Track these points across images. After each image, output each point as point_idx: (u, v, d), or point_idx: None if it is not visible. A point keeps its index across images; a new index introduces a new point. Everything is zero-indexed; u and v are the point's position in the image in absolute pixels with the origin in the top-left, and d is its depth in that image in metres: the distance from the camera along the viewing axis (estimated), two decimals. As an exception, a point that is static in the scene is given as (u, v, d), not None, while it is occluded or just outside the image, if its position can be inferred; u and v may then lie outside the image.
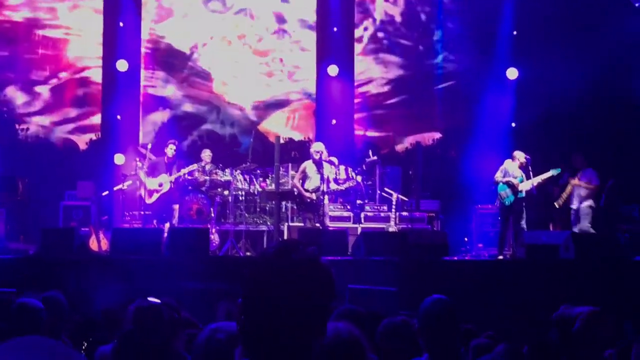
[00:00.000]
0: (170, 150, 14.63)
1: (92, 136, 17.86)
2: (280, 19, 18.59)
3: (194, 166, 14.75)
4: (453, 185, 15.72)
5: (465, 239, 15.45)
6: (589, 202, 14.64)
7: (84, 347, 5.72)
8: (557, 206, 14.92)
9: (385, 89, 18.75)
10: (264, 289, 2.12)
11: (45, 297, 5.75)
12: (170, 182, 14.37)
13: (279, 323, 2.08)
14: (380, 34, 18.83)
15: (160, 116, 18.23)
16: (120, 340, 3.55)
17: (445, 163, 16.06)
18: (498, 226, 14.39)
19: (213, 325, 3.29)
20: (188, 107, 18.37)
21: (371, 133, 18.34)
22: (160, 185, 14.32)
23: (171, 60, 18.37)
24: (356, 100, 18.35)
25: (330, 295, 2.16)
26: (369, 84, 18.71)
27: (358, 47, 18.55)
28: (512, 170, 13.90)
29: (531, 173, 13.83)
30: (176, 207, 14.69)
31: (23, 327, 5.14)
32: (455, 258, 13.27)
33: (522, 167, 13.90)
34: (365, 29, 18.75)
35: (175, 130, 17.69)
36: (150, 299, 4.05)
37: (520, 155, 13.95)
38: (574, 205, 14.77)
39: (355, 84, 18.33)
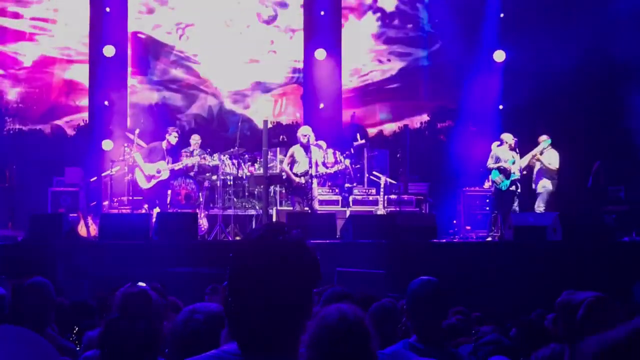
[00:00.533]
0: (172, 137, 14.35)
1: (80, 122, 17.81)
2: (267, 3, 18.55)
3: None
4: (441, 168, 15.76)
5: (454, 222, 15.50)
6: (546, 184, 14.56)
7: (74, 332, 5.73)
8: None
9: (375, 71, 18.74)
10: (249, 270, 2.13)
11: (30, 283, 5.74)
12: (169, 170, 14.21)
13: (264, 305, 2.10)
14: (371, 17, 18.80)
15: (147, 101, 18.19)
16: (107, 325, 3.56)
17: (433, 146, 16.09)
18: (486, 209, 14.47)
19: (190, 307, 3.30)
20: (175, 92, 18.31)
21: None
22: (159, 172, 14.16)
23: (158, 46, 18.30)
24: (346, 86, 18.35)
25: (316, 277, 2.19)
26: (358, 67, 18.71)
27: (350, 30, 18.52)
28: (502, 155, 13.98)
29: (518, 155, 13.92)
30: (169, 192, 14.64)
31: None
32: (444, 240, 13.32)
33: (512, 149, 13.97)
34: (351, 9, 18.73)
35: (162, 116, 17.67)
36: (139, 284, 4.06)
37: (508, 138, 14.04)
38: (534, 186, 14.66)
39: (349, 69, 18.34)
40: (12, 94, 17.72)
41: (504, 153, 13.99)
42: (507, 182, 13.89)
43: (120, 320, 3.56)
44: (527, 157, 14.01)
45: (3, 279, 7.34)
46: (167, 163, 14.15)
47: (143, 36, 18.26)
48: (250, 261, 2.14)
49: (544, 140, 14.13)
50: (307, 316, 2.17)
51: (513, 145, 13.98)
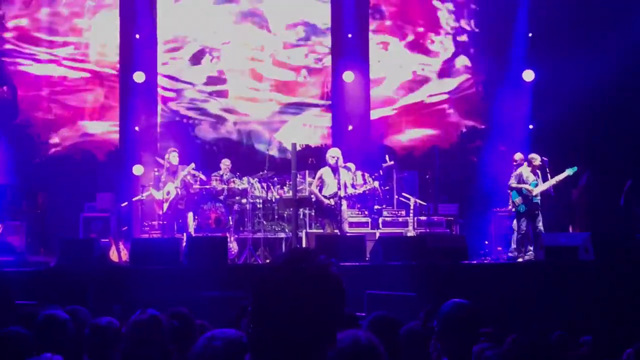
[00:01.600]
0: (173, 157, 14.52)
1: (111, 148, 17.95)
2: (296, 27, 18.62)
3: (192, 165, 14.64)
4: (471, 189, 15.69)
5: (485, 243, 15.40)
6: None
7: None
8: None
9: (402, 91, 18.74)
10: (273, 298, 2.12)
11: (67, 310, 5.78)
12: (176, 187, 14.33)
13: (288, 332, 2.08)
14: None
15: (177, 126, 18.32)
16: (123, 356, 3.57)
17: (462, 166, 16.03)
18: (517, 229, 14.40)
19: (209, 333, 3.28)
20: (205, 116, 18.41)
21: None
22: (168, 193, 14.32)
23: (187, 70, 18.45)
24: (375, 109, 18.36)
25: (340, 304, 2.16)
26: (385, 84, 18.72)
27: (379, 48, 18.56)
28: (526, 176, 13.88)
29: (549, 175, 13.81)
30: (190, 214, 14.69)
31: (50, 339, 5.16)
32: (475, 262, 13.22)
33: (537, 170, 13.86)
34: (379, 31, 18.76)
35: (192, 139, 17.81)
36: (149, 310, 4.06)
37: (534, 159, 13.93)
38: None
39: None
40: (44, 120, 17.89)
41: (528, 175, 13.91)
42: (524, 207, 13.78)
43: (134, 349, 3.57)
44: (550, 183, 13.85)
45: (36, 306, 7.36)
46: (173, 182, 14.28)
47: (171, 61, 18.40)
48: (274, 288, 2.13)
49: (570, 168, 13.93)
50: (331, 344, 2.15)
51: (540, 165, 13.87)
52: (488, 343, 5.69)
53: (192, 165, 14.59)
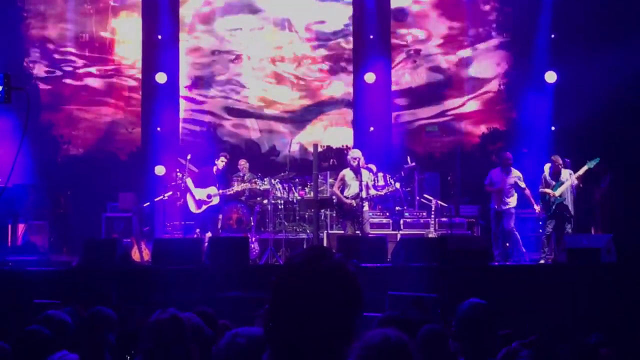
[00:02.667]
0: (221, 162, 14.66)
1: (133, 148, 18.05)
2: (318, 29, 18.64)
3: (247, 185, 14.79)
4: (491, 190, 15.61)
5: (507, 244, 15.33)
6: (514, 202, 14.43)
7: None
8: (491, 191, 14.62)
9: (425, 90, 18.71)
10: (290, 295, 2.14)
11: (93, 311, 5.83)
12: (219, 195, 14.42)
13: (305, 329, 2.10)
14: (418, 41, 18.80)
15: (199, 126, 18.40)
16: (144, 356, 3.60)
17: (484, 168, 15.92)
18: (539, 231, 14.38)
19: (233, 331, 3.31)
20: (226, 118, 18.47)
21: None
22: (209, 197, 14.37)
23: (209, 70, 18.52)
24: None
25: (357, 301, 2.18)
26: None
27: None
28: (548, 178, 14.00)
29: (572, 175, 13.80)
30: (220, 216, 14.80)
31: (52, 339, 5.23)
32: (496, 263, 13.18)
33: (558, 170, 13.87)
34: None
35: (212, 140, 17.89)
36: (169, 309, 4.08)
37: (555, 159, 13.97)
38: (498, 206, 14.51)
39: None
40: (67, 120, 18.01)
41: (552, 176, 13.98)
42: (551, 210, 13.87)
43: (156, 349, 3.59)
44: (571, 180, 13.87)
45: (71, 310, 7.42)
46: (217, 188, 14.32)
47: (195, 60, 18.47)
48: (291, 286, 2.15)
49: (591, 161, 13.93)
50: (348, 342, 2.16)
51: (561, 166, 13.89)
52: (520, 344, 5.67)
53: (248, 185, 14.74)
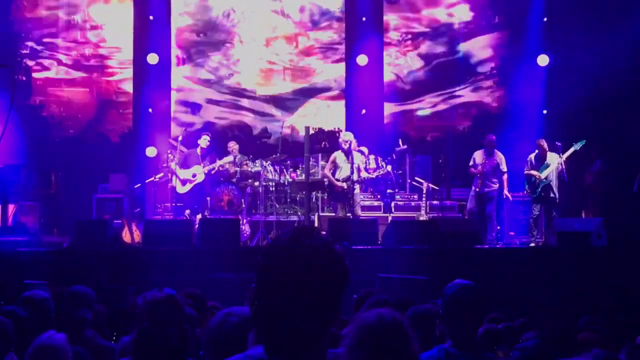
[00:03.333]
0: (204, 141, 14.74)
1: (124, 129, 18.00)
2: (309, 11, 18.57)
3: (230, 158, 14.82)
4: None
5: (498, 227, 15.38)
6: (496, 185, 14.37)
7: (113, 338, 5.80)
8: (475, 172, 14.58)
9: (418, 74, 18.68)
10: (277, 273, 2.13)
11: (71, 290, 5.84)
12: (204, 173, 14.48)
13: (291, 308, 2.09)
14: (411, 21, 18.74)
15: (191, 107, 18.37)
16: (139, 334, 3.60)
17: (475, 151, 15.90)
18: (529, 214, 14.40)
19: (226, 310, 3.32)
20: (218, 100, 18.43)
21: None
22: (194, 175, 14.43)
23: (202, 51, 18.46)
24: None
25: (343, 281, 2.17)
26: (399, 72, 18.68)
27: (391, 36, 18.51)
28: (534, 161, 14.02)
29: (562, 158, 13.82)
30: (208, 198, 14.81)
31: (32, 318, 5.23)
32: (487, 246, 13.22)
33: (544, 153, 13.90)
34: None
35: (205, 122, 17.86)
36: (165, 289, 4.08)
37: (541, 143, 14.00)
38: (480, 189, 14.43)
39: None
40: (58, 101, 17.95)
41: (538, 159, 14.01)
42: (536, 193, 13.91)
43: (152, 328, 3.59)
44: (557, 162, 13.90)
45: (44, 286, 7.43)
46: (203, 167, 14.37)
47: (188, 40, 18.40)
48: (278, 264, 2.14)
49: (577, 142, 13.95)
50: (333, 321, 2.16)
51: (546, 150, 13.92)
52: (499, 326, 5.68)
53: (230, 158, 14.75)
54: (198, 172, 14.43)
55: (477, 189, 14.30)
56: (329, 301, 2.14)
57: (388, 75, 18.41)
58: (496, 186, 14.32)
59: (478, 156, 14.44)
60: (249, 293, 2.06)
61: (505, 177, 14.30)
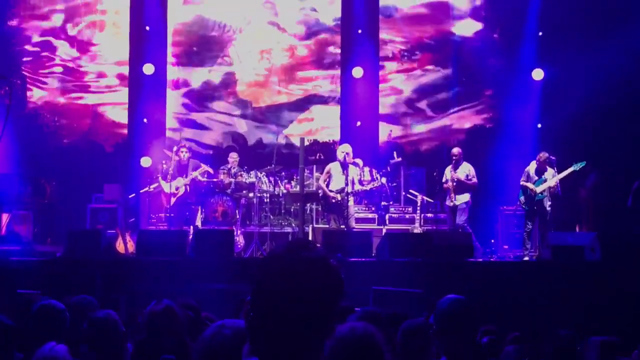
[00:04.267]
0: (183, 153, 14.63)
1: (119, 139, 17.99)
2: (305, 23, 18.61)
3: (205, 167, 14.76)
4: (478, 187, 15.66)
5: (492, 241, 15.40)
6: (465, 198, 14.33)
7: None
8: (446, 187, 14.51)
9: (412, 86, 18.71)
10: (272, 285, 2.14)
11: (73, 301, 5.82)
12: (185, 184, 14.42)
13: (286, 320, 2.10)
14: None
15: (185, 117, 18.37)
16: (137, 345, 3.60)
17: (470, 164, 15.96)
18: (523, 227, 14.39)
19: (220, 322, 3.32)
20: (213, 111, 18.44)
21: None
22: (177, 189, 14.40)
23: (198, 62, 18.47)
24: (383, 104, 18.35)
25: (338, 294, 2.18)
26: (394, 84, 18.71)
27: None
28: (532, 173, 13.99)
29: (556, 173, 13.82)
30: (198, 208, 14.78)
31: (46, 329, 5.19)
32: (480, 259, 13.22)
33: (542, 167, 13.89)
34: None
35: (198, 133, 17.87)
36: (164, 300, 4.08)
37: (541, 156, 13.98)
38: (450, 202, 14.38)
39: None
40: (53, 110, 17.94)
41: (533, 173, 14.00)
42: (530, 204, 13.91)
43: (149, 339, 3.59)
44: (555, 179, 13.86)
45: (38, 295, 7.41)
46: (183, 178, 14.35)
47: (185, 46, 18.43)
48: (273, 276, 2.15)
49: (577, 163, 13.93)
50: (328, 334, 2.16)
51: (545, 163, 13.91)
52: (493, 339, 5.68)
53: (203, 168, 14.68)
54: (180, 185, 14.42)
55: (449, 203, 14.28)
56: (324, 314, 2.14)
57: (383, 108, 18.42)
58: (466, 198, 14.26)
59: (447, 171, 14.41)
60: (244, 305, 2.06)
61: (472, 183, 14.25)
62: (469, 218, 14.44)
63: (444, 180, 14.44)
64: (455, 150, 14.52)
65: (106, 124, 18.11)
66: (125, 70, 18.03)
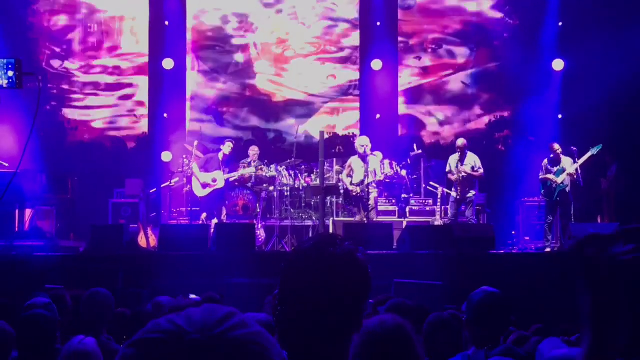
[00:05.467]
0: (227, 147, 14.62)
1: (140, 134, 18.06)
2: (325, 17, 18.60)
3: (252, 170, 14.82)
4: (499, 178, 15.62)
5: (513, 232, 15.35)
6: (473, 191, 14.26)
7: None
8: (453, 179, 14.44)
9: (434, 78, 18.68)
10: (300, 280, 2.15)
11: (90, 293, 5.88)
12: (224, 180, 14.44)
13: (314, 314, 2.11)
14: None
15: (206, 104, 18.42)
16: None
17: (491, 156, 15.94)
18: (544, 219, 14.33)
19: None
20: (232, 104, 18.49)
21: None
22: (214, 180, 14.38)
23: (217, 57, 18.50)
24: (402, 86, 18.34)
25: (366, 289, 2.19)
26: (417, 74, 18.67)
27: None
28: (549, 165, 13.92)
29: (576, 164, 13.72)
30: (227, 203, 14.82)
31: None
32: (502, 251, 13.18)
33: (556, 158, 13.80)
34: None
35: (220, 126, 17.89)
36: (191, 296, 4.09)
37: (552, 146, 13.89)
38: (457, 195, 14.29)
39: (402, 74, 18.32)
40: (74, 106, 18.04)
41: (552, 163, 13.92)
42: (552, 198, 13.83)
43: None
44: (574, 166, 13.77)
45: (62, 289, 7.47)
46: (223, 173, 14.36)
47: (203, 45, 18.46)
48: (301, 271, 2.17)
49: (594, 147, 13.83)
50: (355, 328, 2.17)
51: (560, 154, 13.82)
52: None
53: (252, 169, 14.81)
54: (219, 178, 14.41)
55: (457, 196, 14.20)
56: (351, 308, 2.15)
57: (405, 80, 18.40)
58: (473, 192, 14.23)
59: (453, 162, 14.33)
60: (271, 298, 2.06)
61: (477, 175, 14.20)
62: (492, 210, 14.40)
63: (447, 170, 14.36)
64: (460, 141, 14.37)
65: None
66: (144, 64, 18.09)
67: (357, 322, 2.18)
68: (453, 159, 14.31)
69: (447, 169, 14.37)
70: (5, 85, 3.65)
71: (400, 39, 18.45)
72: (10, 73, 3.67)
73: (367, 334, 2.74)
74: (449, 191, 15.22)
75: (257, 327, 1.35)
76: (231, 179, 14.61)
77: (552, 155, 13.96)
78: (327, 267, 2.14)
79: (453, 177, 14.23)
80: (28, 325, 4.89)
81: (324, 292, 2.11)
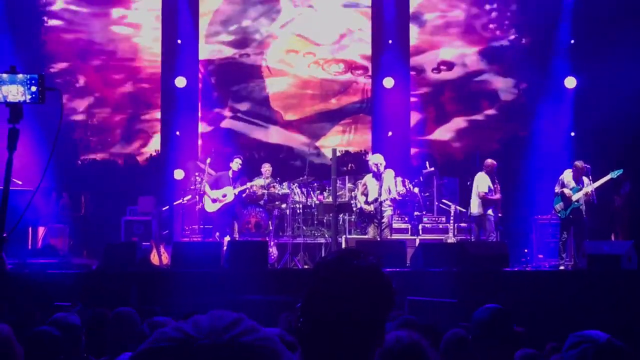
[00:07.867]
0: (235, 164, 14.70)
1: (152, 152, 18.11)
2: (335, 34, 18.64)
3: (261, 181, 14.86)
4: (512, 196, 15.57)
5: (526, 250, 15.29)
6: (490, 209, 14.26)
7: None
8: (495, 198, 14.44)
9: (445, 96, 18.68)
10: (324, 293, 2.14)
11: (116, 312, 5.89)
12: (234, 194, 14.48)
13: (337, 327, 2.10)
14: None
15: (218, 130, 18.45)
16: None
17: (503, 173, 15.88)
18: (558, 236, 14.26)
19: None
20: (245, 122, 18.51)
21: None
22: (224, 195, 14.44)
23: (229, 76, 18.56)
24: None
25: (390, 303, 2.18)
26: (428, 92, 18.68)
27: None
28: (567, 181, 13.84)
29: (591, 182, 13.69)
30: (236, 223, 14.83)
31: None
32: (516, 269, 13.12)
33: (579, 176, 13.75)
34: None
35: (232, 145, 17.90)
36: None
37: (577, 164, 13.84)
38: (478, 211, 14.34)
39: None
40: (87, 123, 18.10)
41: (569, 180, 13.85)
42: (565, 213, 13.76)
43: None
44: (592, 186, 13.72)
45: (80, 308, 7.47)
46: (234, 188, 14.41)
47: (215, 64, 18.52)
48: (326, 283, 2.15)
49: (614, 171, 13.78)
50: (378, 342, 2.16)
51: (582, 171, 13.77)
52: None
53: (262, 180, 14.82)
54: (228, 193, 14.46)
55: (500, 214, 14.25)
56: (374, 321, 2.14)
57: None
58: (478, 209, 14.24)
59: (487, 180, 14.33)
60: (295, 311, 2.04)
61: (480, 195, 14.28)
62: (505, 227, 14.38)
63: (485, 191, 14.27)
64: (491, 161, 14.42)
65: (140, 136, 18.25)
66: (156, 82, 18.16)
67: (380, 336, 2.17)
68: (486, 177, 14.24)
69: (485, 189, 14.25)
70: (28, 101, 3.66)
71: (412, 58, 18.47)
72: (34, 88, 3.68)
73: (383, 350, 2.73)
74: (461, 209, 15.20)
75: (267, 333, 1.34)
76: (244, 194, 14.64)
77: (573, 173, 13.84)
78: (352, 278, 2.13)
79: (495, 197, 14.20)
80: (32, 343, 4.87)
81: (348, 305, 2.10)
